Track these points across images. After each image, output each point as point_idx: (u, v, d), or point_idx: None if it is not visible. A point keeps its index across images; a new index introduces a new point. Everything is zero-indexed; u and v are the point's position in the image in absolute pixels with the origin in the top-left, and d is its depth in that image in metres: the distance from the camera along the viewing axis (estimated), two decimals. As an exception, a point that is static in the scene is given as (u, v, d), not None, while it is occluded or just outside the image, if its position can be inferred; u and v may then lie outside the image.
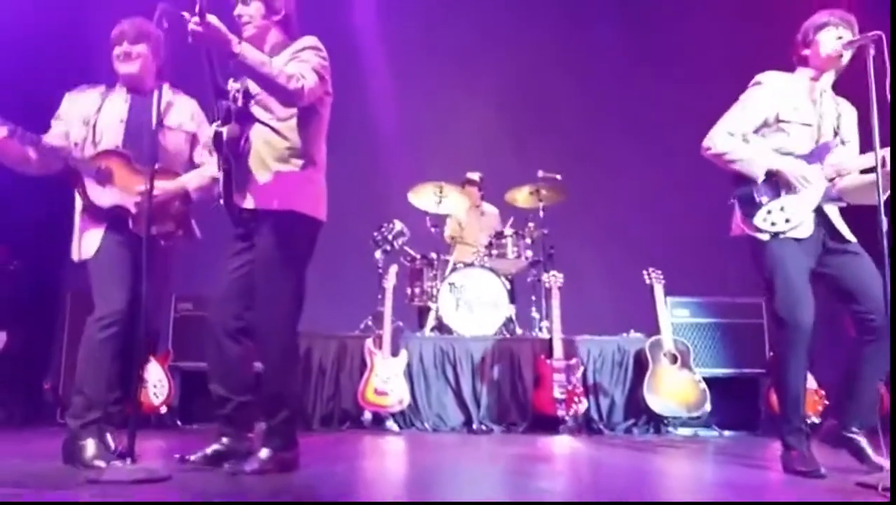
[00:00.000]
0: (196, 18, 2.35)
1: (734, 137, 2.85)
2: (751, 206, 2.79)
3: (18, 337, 4.97)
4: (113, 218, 2.86)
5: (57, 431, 2.88)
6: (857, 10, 3.15)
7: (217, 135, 2.64)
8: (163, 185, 2.87)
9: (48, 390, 4.91)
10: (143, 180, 2.81)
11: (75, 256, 2.91)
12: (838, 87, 3.00)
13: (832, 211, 2.85)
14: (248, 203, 2.64)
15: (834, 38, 2.84)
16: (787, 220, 2.76)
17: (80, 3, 6.35)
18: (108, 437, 2.81)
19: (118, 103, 2.96)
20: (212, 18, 2.38)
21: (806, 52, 2.91)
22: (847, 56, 2.86)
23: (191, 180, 3.00)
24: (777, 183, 2.79)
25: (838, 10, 2.93)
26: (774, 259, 2.77)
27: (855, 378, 2.78)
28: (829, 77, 2.93)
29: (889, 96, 2.48)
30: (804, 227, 2.78)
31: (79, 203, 2.92)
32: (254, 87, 2.67)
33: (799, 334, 2.75)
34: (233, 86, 2.70)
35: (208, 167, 3.00)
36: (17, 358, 4.94)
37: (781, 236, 2.77)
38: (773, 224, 2.77)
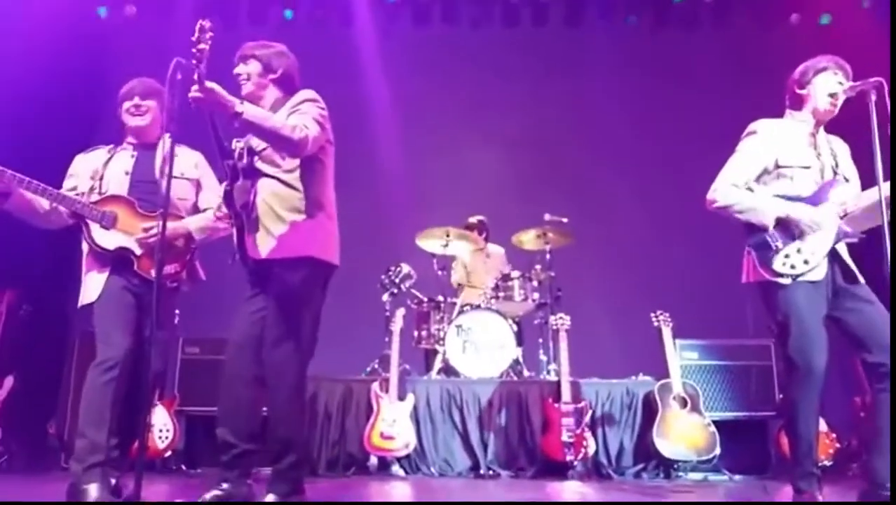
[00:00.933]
0: (196, 86, 2.44)
1: (738, 188, 2.86)
2: (768, 252, 2.79)
3: (25, 380, 4.98)
4: (117, 261, 2.92)
5: (61, 476, 2.87)
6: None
7: (227, 193, 2.72)
8: (168, 225, 2.93)
9: (53, 434, 4.88)
10: (146, 223, 2.93)
11: (85, 300, 2.95)
12: (831, 126, 3.03)
13: (843, 251, 2.85)
14: (263, 254, 2.69)
15: (834, 82, 2.87)
16: (806, 262, 2.76)
17: (95, 57, 6.56)
18: (112, 481, 2.80)
19: (125, 158, 3.08)
20: (211, 84, 2.47)
21: (802, 92, 2.93)
22: (841, 102, 2.89)
23: (193, 221, 3.07)
24: (789, 227, 2.79)
25: (837, 56, 2.97)
26: (790, 303, 2.76)
27: (878, 434, 2.71)
28: (821, 120, 2.95)
29: (891, 140, 2.51)
30: (819, 269, 2.78)
31: (85, 249, 2.99)
32: (257, 143, 2.75)
33: (812, 378, 2.72)
34: (237, 145, 2.78)
35: (211, 211, 3.07)
36: (23, 401, 4.94)
37: (799, 279, 2.76)
38: (792, 267, 2.76)
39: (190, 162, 3.15)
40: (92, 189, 3.02)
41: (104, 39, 6.90)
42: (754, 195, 2.86)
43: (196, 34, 2.47)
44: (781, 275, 2.77)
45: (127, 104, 3.07)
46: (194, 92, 2.45)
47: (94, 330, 2.89)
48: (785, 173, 2.86)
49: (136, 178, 3.02)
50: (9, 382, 4.87)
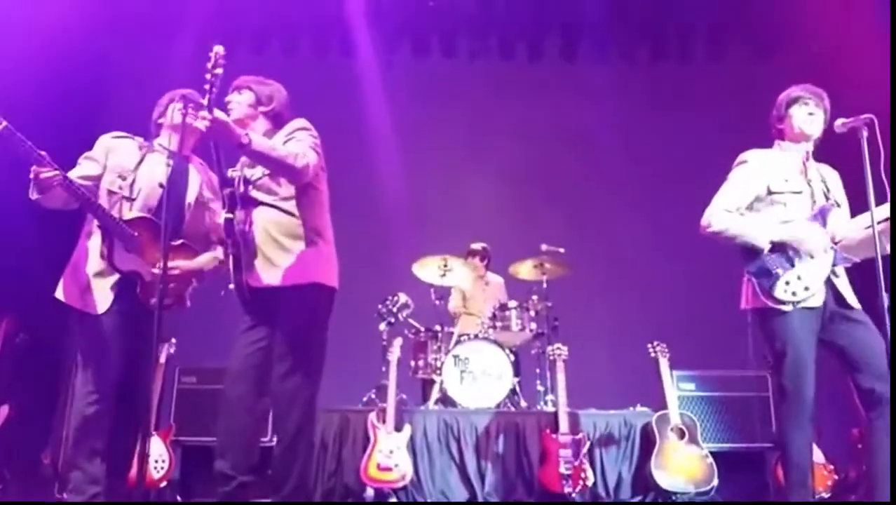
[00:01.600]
0: (205, 113, 2.48)
1: (731, 213, 2.91)
2: (768, 279, 2.81)
3: (20, 409, 4.94)
4: (124, 282, 2.86)
5: (56, 507, 2.86)
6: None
7: (227, 221, 2.74)
8: (184, 265, 2.93)
9: (47, 464, 4.84)
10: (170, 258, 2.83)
11: (73, 302, 2.85)
12: (822, 159, 3.10)
13: (840, 277, 2.88)
14: (265, 282, 2.71)
15: (805, 113, 2.96)
16: (807, 288, 2.79)
17: (96, 82, 6.63)
18: None
19: (159, 164, 2.96)
20: (219, 113, 2.52)
21: (781, 126, 3.04)
22: (817, 129, 2.97)
23: (208, 263, 3.06)
24: (785, 251, 2.82)
25: (809, 84, 3.05)
26: (788, 330, 2.79)
27: (877, 469, 2.71)
28: (807, 146, 3.02)
29: (885, 177, 2.56)
30: (818, 295, 2.81)
31: (92, 252, 2.88)
32: (251, 173, 2.80)
33: (802, 405, 2.75)
34: (233, 174, 2.81)
35: (219, 250, 3.06)
36: (18, 430, 4.90)
37: (798, 306, 2.78)
38: (794, 294, 2.79)
39: (213, 184, 3.12)
40: (120, 189, 2.92)
41: (107, 69, 6.99)
42: (748, 220, 2.91)
43: (211, 61, 2.52)
44: (783, 302, 2.79)
45: (179, 106, 2.95)
46: (202, 121, 2.48)
47: (83, 344, 2.83)
48: (778, 199, 2.92)
49: (168, 197, 2.85)
50: (4, 410, 4.84)
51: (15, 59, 5.29)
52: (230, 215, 2.74)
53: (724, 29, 7.39)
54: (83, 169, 2.96)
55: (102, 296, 2.84)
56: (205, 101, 2.50)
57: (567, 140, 7.32)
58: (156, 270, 2.83)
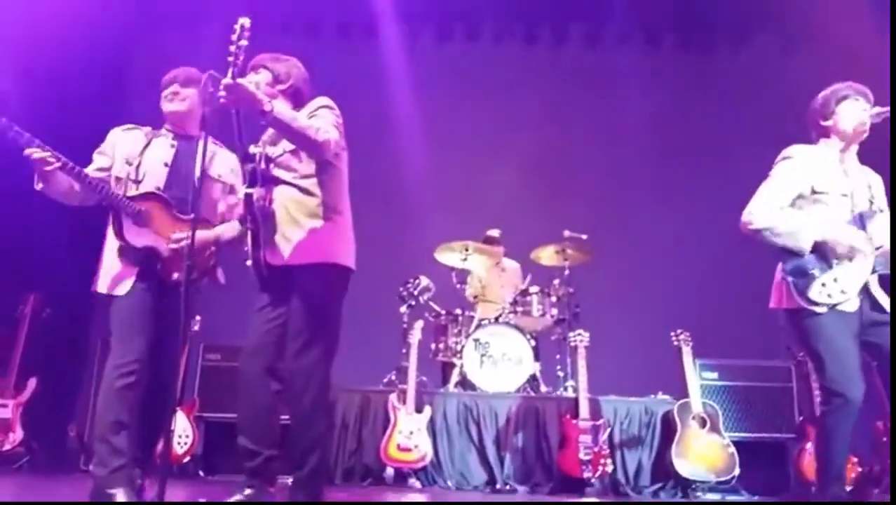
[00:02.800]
0: (228, 80, 2.47)
1: (773, 212, 2.83)
2: (804, 279, 2.76)
3: (47, 383, 5.03)
4: (143, 260, 2.89)
5: (81, 477, 2.87)
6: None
7: (247, 196, 2.73)
8: (199, 235, 2.94)
9: (73, 437, 4.93)
10: (179, 227, 2.91)
11: (102, 289, 2.90)
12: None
13: (873, 281, 2.82)
14: (283, 259, 2.71)
15: (859, 109, 2.87)
16: (843, 292, 2.74)
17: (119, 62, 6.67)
18: (138, 482, 2.83)
19: (164, 146, 3.02)
20: (244, 80, 2.52)
21: (827, 123, 2.93)
22: (868, 127, 2.88)
23: (225, 231, 3.08)
24: (826, 254, 2.76)
25: (854, 82, 2.96)
26: (822, 332, 2.74)
27: None
28: (853, 148, 2.95)
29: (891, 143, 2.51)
30: (854, 300, 2.76)
31: (110, 238, 2.93)
32: (272, 151, 2.79)
33: (850, 408, 2.70)
34: (255, 150, 2.80)
35: (235, 224, 3.07)
36: (45, 403, 4.98)
37: (834, 309, 2.74)
38: (829, 296, 2.73)
39: (227, 165, 3.14)
40: (127, 176, 2.96)
41: (129, 49, 7.03)
42: (791, 218, 2.83)
43: (237, 32, 2.53)
44: (818, 304, 2.74)
45: (167, 91, 3.04)
46: (228, 82, 2.47)
47: (112, 323, 2.87)
48: (821, 199, 2.84)
49: (174, 172, 2.96)
50: (31, 383, 4.92)
51: (38, 45, 5.35)
52: (250, 191, 2.74)
53: (751, 18, 7.27)
54: (96, 163, 3.02)
55: (125, 276, 2.88)
56: (229, 72, 2.50)
57: (591, 126, 7.26)
58: (173, 245, 2.88)
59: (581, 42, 7.62)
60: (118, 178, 2.97)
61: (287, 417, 2.75)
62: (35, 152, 2.73)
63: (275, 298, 2.77)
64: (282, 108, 2.62)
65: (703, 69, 7.32)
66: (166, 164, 2.97)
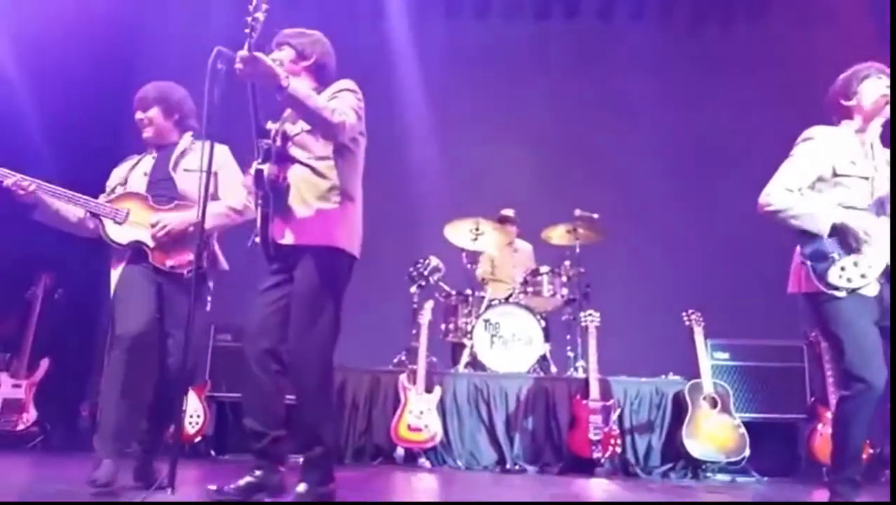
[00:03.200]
0: (244, 52, 2.44)
1: (792, 193, 2.78)
2: (823, 263, 2.71)
3: (59, 363, 5.06)
4: (134, 253, 3.00)
5: (93, 457, 2.92)
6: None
7: (258, 172, 2.71)
8: (176, 215, 3.00)
9: (85, 416, 4.97)
10: (158, 215, 3.00)
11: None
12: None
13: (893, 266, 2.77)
14: (289, 239, 2.69)
15: (882, 86, 2.81)
16: (863, 276, 2.69)
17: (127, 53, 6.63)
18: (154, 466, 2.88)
19: (147, 161, 3.19)
20: (260, 54, 2.48)
21: (849, 103, 2.87)
22: (889, 102, 2.81)
23: (210, 215, 3.05)
24: (846, 237, 2.71)
25: (874, 62, 2.90)
26: (842, 316, 2.69)
27: None
28: (875, 128, 2.88)
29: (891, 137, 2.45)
30: (874, 285, 2.71)
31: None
32: (291, 129, 2.75)
33: (871, 393, 2.65)
34: (272, 126, 2.77)
35: (223, 201, 3.09)
36: (57, 383, 5.03)
37: (853, 294, 2.69)
38: (849, 280, 2.69)
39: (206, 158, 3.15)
40: (115, 190, 3.13)
41: (138, 36, 6.98)
42: (810, 201, 2.77)
43: (253, 3, 2.49)
44: (837, 288, 2.69)
45: (137, 115, 3.18)
46: (242, 58, 2.46)
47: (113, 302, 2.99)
48: (842, 182, 2.78)
49: (153, 177, 3.11)
50: (44, 364, 4.96)
51: (49, 27, 5.31)
52: (262, 167, 2.71)
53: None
54: (108, 194, 3.18)
55: (115, 271, 3.02)
56: (246, 44, 2.47)
57: (603, 103, 7.17)
58: (155, 232, 2.97)
59: (593, 16, 7.51)
60: (110, 193, 3.14)
61: (293, 397, 2.75)
62: (6, 179, 2.90)
63: (280, 278, 2.76)
64: (298, 85, 2.58)
65: (719, 44, 7.21)
66: (146, 174, 3.13)
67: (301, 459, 2.70)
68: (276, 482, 2.70)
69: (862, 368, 2.66)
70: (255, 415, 2.71)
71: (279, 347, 2.71)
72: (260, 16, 2.47)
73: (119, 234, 3.00)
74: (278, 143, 2.76)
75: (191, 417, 4.66)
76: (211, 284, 3.18)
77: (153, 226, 2.98)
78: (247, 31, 2.46)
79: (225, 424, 4.96)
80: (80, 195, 3.03)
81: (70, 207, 3.04)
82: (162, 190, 3.05)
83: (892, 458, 2.46)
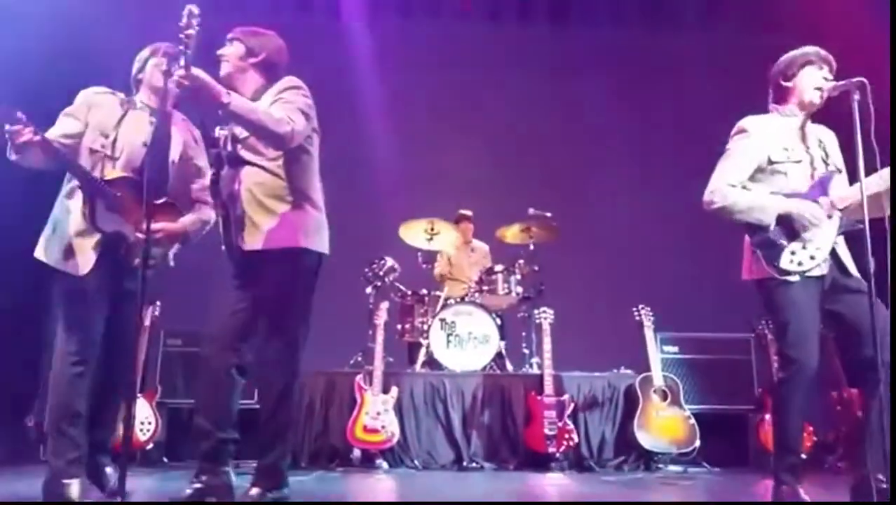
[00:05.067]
0: (181, 71, 2.41)
1: (735, 189, 2.83)
2: (773, 250, 2.77)
3: (3, 373, 4.90)
4: (108, 243, 2.80)
5: (40, 469, 2.84)
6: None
7: (213, 183, 2.68)
8: (168, 227, 2.88)
9: (31, 427, 4.82)
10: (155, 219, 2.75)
11: (54, 262, 2.78)
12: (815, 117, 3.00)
13: (840, 245, 2.84)
14: (253, 245, 2.66)
15: (820, 76, 2.85)
16: (812, 258, 2.75)
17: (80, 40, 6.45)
18: (109, 470, 2.82)
19: (142, 122, 2.90)
20: (197, 71, 2.44)
21: (787, 84, 2.90)
22: (824, 97, 2.86)
23: (192, 224, 2.99)
24: (791, 224, 2.77)
25: (819, 48, 2.94)
26: (791, 300, 2.75)
27: (870, 427, 2.69)
28: (808, 113, 2.93)
29: (874, 142, 2.54)
30: (823, 264, 2.77)
31: (72, 212, 2.80)
32: (240, 132, 2.72)
33: (805, 374, 2.73)
34: (220, 133, 2.74)
35: (205, 211, 3.01)
36: (1, 394, 4.86)
37: (804, 276, 2.75)
38: (800, 264, 2.75)
39: (200, 146, 3.05)
40: (102, 147, 2.83)
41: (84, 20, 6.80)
42: (753, 194, 2.83)
43: (184, 20, 2.45)
44: (789, 272, 2.75)
45: (157, 61, 2.91)
46: (179, 78, 2.42)
47: (63, 305, 2.77)
48: (779, 169, 2.84)
49: (152, 156, 2.82)
50: (-14, 373, 4.80)
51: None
52: (215, 177, 2.69)
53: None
54: (64, 126, 2.85)
55: (85, 257, 2.76)
56: (181, 62, 2.42)
57: (555, 104, 7.25)
58: (138, 233, 2.76)
59: (546, 19, 7.58)
60: (92, 150, 2.83)
61: (246, 402, 2.72)
62: (20, 136, 2.59)
63: (243, 282, 2.73)
64: (239, 101, 2.54)
65: (669, 48, 7.34)
66: (145, 144, 2.85)
67: (255, 463, 2.68)
68: (223, 483, 2.65)
69: (797, 348, 2.74)
70: (206, 413, 2.67)
71: (241, 351, 2.69)
72: (191, 32, 2.43)
73: (105, 221, 2.76)
74: (228, 147, 2.72)
75: (142, 423, 4.57)
76: None
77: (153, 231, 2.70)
78: (180, 47, 2.42)
79: (177, 431, 4.87)
80: (86, 169, 2.75)
81: (50, 162, 2.72)
82: (155, 175, 2.75)
83: (892, 457, 2.53)
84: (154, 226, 2.71)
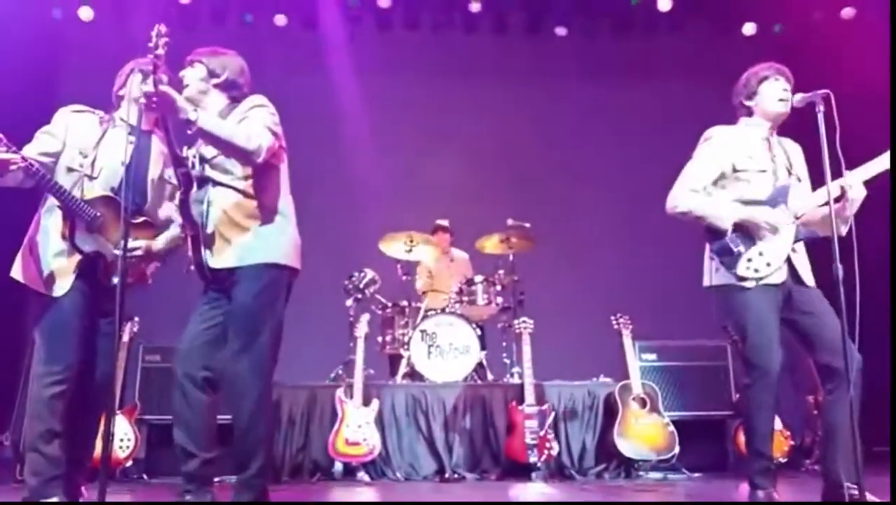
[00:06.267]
0: (149, 88, 2.42)
1: (697, 194, 2.92)
2: (730, 257, 2.84)
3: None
4: (86, 262, 2.79)
5: (16, 488, 2.81)
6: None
7: (183, 202, 2.68)
8: (146, 245, 2.89)
9: (7, 446, 4.76)
10: (132, 237, 2.75)
11: (32, 282, 2.78)
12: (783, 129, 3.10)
13: (798, 254, 2.91)
14: (223, 262, 2.66)
15: (779, 89, 2.95)
16: (769, 265, 2.82)
17: (49, 59, 6.42)
18: (84, 491, 2.78)
19: (120, 141, 2.84)
20: (166, 89, 2.46)
21: (749, 103, 3.00)
22: (788, 107, 2.95)
23: (170, 243, 2.99)
24: (748, 230, 2.85)
25: (774, 62, 3.04)
26: (749, 305, 2.82)
27: (832, 433, 2.78)
28: (775, 124, 3.02)
29: (839, 152, 2.61)
30: (780, 272, 2.84)
31: (51, 231, 2.79)
32: (208, 152, 2.73)
33: (769, 378, 2.79)
34: (188, 153, 2.75)
35: (177, 227, 3.00)
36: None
37: (760, 283, 2.82)
38: (756, 271, 2.82)
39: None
40: (81, 166, 2.82)
41: (60, 41, 6.79)
42: (712, 200, 2.92)
43: (153, 39, 2.46)
44: (745, 279, 2.82)
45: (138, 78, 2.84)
46: (146, 95, 2.43)
47: (41, 325, 2.75)
48: (742, 177, 2.93)
49: (131, 176, 2.74)
50: (-39, 392, 4.73)
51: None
52: (184, 197, 2.69)
53: (686, 4, 7.42)
54: (42, 145, 2.82)
55: (63, 276, 2.76)
56: (149, 82, 2.42)
57: (531, 114, 7.34)
58: (117, 252, 2.71)
59: (521, 30, 7.66)
60: (70, 169, 2.82)
61: (226, 417, 2.72)
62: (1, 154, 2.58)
63: (215, 300, 2.74)
64: (207, 118, 2.56)
65: (643, 55, 7.44)
66: (123, 164, 2.80)
67: (234, 479, 2.68)
68: (207, 501, 2.66)
69: (760, 355, 2.80)
70: (186, 435, 2.67)
71: (211, 367, 2.69)
72: (160, 51, 2.45)
73: (85, 241, 2.77)
74: (196, 168, 2.73)
75: (121, 440, 4.53)
76: None
77: (131, 249, 2.73)
78: (149, 66, 2.44)
79: (156, 447, 4.83)
80: (66, 189, 2.72)
81: (17, 175, 2.69)
82: (134, 195, 2.78)
83: (892, 457, 2.57)
84: (132, 244, 2.76)
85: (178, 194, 2.72)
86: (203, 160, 2.73)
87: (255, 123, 2.67)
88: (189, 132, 2.54)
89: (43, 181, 2.71)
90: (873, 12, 6.29)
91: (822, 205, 2.82)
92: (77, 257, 2.78)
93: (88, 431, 2.93)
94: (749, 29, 7.25)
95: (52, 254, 2.78)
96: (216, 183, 2.72)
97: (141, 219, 2.90)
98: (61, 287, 2.75)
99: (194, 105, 2.63)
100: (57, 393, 2.70)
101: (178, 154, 2.70)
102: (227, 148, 2.61)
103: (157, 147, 2.99)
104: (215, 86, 2.82)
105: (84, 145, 2.85)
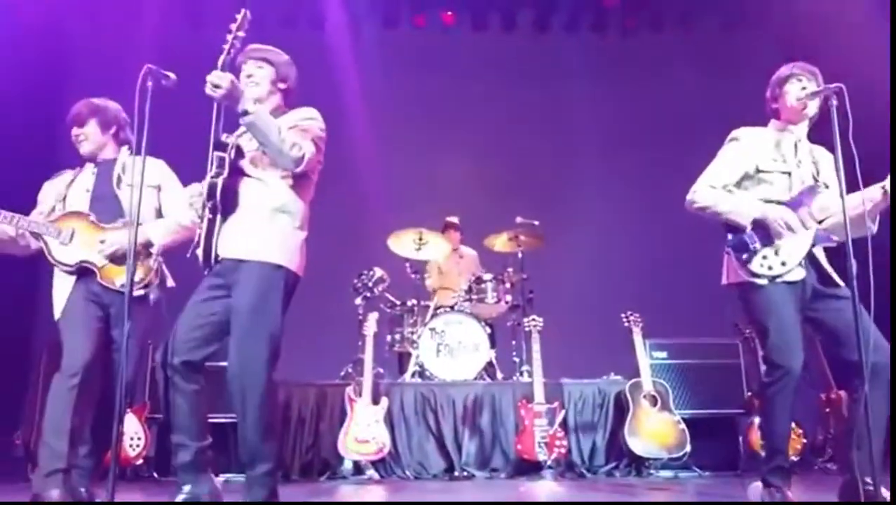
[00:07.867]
0: (220, 74, 2.51)
1: (716, 190, 2.92)
2: (746, 253, 2.84)
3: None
4: (80, 274, 2.96)
5: (27, 486, 2.86)
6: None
7: (212, 185, 2.69)
8: (113, 237, 2.96)
9: (19, 445, 4.78)
10: (104, 234, 2.95)
11: (57, 314, 2.99)
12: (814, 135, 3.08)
13: (821, 254, 2.89)
14: (234, 253, 2.67)
15: (798, 88, 2.94)
16: (784, 263, 2.81)
17: (58, 63, 6.45)
18: (83, 491, 2.81)
19: (87, 176, 3.13)
20: (229, 75, 2.54)
21: (775, 105, 3.02)
22: (814, 106, 2.95)
23: (154, 229, 3.03)
24: (767, 228, 2.83)
25: (801, 62, 3.03)
26: (768, 304, 2.80)
27: (858, 430, 2.68)
28: (802, 127, 3.02)
29: (852, 145, 2.58)
30: (797, 271, 2.83)
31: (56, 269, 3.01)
32: (247, 144, 2.76)
33: (789, 378, 2.77)
34: (228, 139, 2.76)
35: (172, 216, 3.07)
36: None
37: (778, 281, 2.80)
38: (770, 268, 2.81)
39: (149, 170, 3.06)
40: (54, 210, 3.06)
41: (68, 46, 6.82)
42: (732, 196, 2.91)
43: (238, 22, 2.51)
44: (759, 276, 2.81)
45: (73, 135, 3.12)
46: (216, 79, 2.49)
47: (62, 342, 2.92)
48: (764, 178, 2.93)
49: (95, 193, 3.05)
50: (-27, 391, 4.76)
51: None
52: (216, 180, 2.70)
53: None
54: (36, 212, 3.10)
55: (60, 299, 2.98)
56: (220, 60, 2.51)
57: (542, 112, 7.31)
58: (102, 250, 2.93)
59: (530, 28, 7.65)
60: (50, 213, 3.06)
61: (215, 415, 2.72)
62: None
63: (217, 292, 2.73)
64: (264, 114, 2.62)
65: (652, 54, 7.41)
66: (88, 190, 3.07)
67: (244, 478, 2.67)
68: (208, 490, 2.66)
69: (782, 353, 2.78)
70: (180, 426, 2.67)
71: (204, 361, 2.69)
72: (241, 34, 2.48)
73: (65, 255, 2.96)
74: (233, 156, 2.75)
75: (131, 439, 4.54)
76: (159, 299, 3.08)
77: (101, 243, 2.93)
78: (225, 46, 2.46)
79: (166, 446, 4.82)
80: (20, 215, 2.96)
81: (3, 227, 2.96)
82: (105, 206, 3.02)
83: (892, 457, 2.54)
84: (101, 236, 2.96)
85: (208, 176, 2.72)
86: (239, 151, 2.75)
87: (305, 134, 2.73)
88: (241, 122, 2.58)
89: (13, 225, 2.94)
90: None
91: (849, 208, 2.73)
92: (72, 280, 2.97)
93: (104, 434, 2.94)
94: (757, 26, 7.19)
95: (58, 280, 3.03)
96: (247, 175, 2.74)
97: (120, 221, 3.01)
98: (59, 305, 2.98)
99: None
100: (70, 387, 2.79)
101: (219, 137, 2.72)
102: (273, 148, 2.64)
103: (120, 165, 3.12)
104: (280, 90, 2.88)
105: (59, 193, 3.10)
